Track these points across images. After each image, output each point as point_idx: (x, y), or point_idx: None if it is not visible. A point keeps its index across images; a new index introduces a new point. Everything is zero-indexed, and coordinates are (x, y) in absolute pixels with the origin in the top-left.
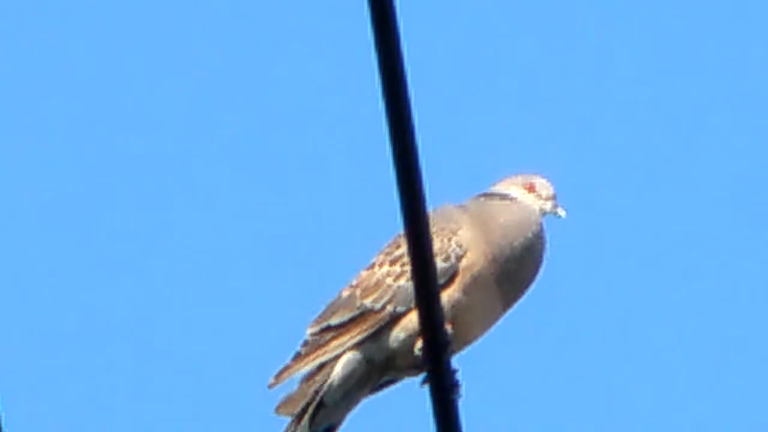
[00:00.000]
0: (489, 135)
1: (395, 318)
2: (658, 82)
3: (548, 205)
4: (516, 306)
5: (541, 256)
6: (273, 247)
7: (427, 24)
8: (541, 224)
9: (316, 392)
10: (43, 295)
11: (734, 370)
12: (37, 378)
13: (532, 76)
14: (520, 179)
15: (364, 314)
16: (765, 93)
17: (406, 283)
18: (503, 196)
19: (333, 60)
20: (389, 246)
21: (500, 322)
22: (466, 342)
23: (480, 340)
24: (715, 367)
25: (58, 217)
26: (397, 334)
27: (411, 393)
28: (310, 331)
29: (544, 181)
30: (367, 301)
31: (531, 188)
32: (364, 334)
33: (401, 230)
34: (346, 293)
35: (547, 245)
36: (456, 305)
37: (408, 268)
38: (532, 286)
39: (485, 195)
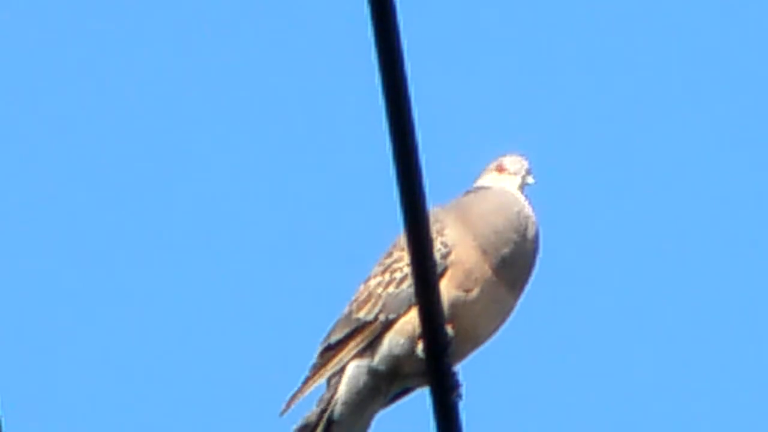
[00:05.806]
0: (489, 135)
1: (388, 325)
2: (660, 77)
3: (519, 179)
4: (517, 306)
5: (532, 233)
6: (286, 266)
7: (428, 23)
8: (521, 201)
9: (324, 410)
10: (43, 296)
11: (734, 370)
12: (37, 378)
13: (534, 74)
14: (492, 165)
15: (359, 328)
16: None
17: (395, 289)
18: (478, 189)
19: (333, 62)
20: (383, 257)
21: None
22: (477, 338)
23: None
24: (715, 366)
25: (60, 221)
26: (397, 339)
27: (412, 394)
28: (316, 353)
29: (512, 157)
30: (361, 314)
31: (500, 169)
32: (361, 345)
33: (395, 237)
34: (345, 310)
35: (539, 220)
36: (454, 304)
37: (397, 275)
38: (536, 265)
39: (464, 193)
